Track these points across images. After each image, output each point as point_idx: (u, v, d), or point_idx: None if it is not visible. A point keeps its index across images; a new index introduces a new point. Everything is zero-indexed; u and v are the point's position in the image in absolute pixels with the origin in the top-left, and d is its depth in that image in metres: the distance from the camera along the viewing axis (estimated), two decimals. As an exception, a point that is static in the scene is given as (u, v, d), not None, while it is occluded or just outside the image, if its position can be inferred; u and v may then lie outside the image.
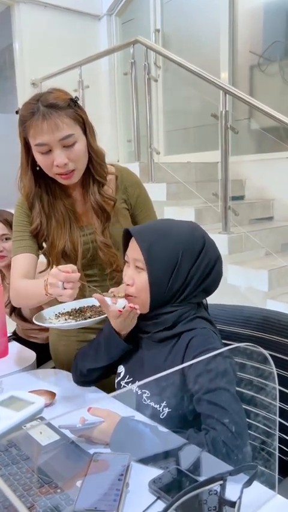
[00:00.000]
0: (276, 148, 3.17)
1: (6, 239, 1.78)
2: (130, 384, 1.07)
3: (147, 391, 1.00)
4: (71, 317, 1.20)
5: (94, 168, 1.27)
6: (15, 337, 1.89)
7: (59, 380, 1.24)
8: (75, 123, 1.18)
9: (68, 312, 1.24)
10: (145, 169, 3.12)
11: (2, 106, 4.73)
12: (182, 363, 0.96)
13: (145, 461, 0.82)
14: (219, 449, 0.78)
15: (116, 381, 1.12)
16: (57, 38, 4.08)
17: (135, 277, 1.04)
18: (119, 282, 1.33)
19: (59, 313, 1.25)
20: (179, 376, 0.94)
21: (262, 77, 3.46)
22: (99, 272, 1.35)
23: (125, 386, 1.07)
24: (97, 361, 1.10)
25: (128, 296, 1.06)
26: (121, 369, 1.12)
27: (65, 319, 1.20)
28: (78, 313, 1.23)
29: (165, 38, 4.09)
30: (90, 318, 1.15)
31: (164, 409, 0.95)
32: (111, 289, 1.27)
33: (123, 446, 0.86)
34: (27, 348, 1.49)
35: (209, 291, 1.06)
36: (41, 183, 1.29)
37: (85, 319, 1.15)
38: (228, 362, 0.91)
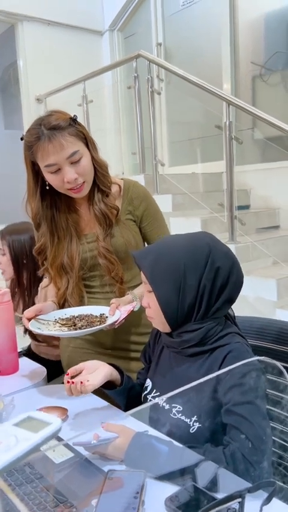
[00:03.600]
0: (280, 157, 3.18)
1: None
2: (157, 398, 1.06)
3: (178, 406, 0.98)
4: (63, 325, 1.27)
5: (98, 178, 1.33)
6: (27, 352, 1.88)
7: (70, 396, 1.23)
8: (78, 139, 1.24)
9: (67, 318, 1.32)
10: (150, 181, 3.14)
11: (8, 123, 4.79)
12: (218, 376, 0.94)
13: (161, 477, 0.81)
14: (238, 463, 0.77)
15: (142, 395, 1.11)
16: (60, 54, 4.14)
17: (149, 300, 1.03)
18: (120, 296, 1.35)
19: (59, 318, 1.32)
20: (212, 390, 0.93)
21: (264, 87, 3.48)
22: (100, 284, 1.38)
23: (152, 401, 1.07)
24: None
25: (149, 317, 1.07)
26: (148, 383, 1.11)
27: (59, 326, 1.26)
28: (72, 321, 1.29)
29: (167, 51, 4.14)
30: (80, 328, 1.22)
31: (195, 424, 0.93)
32: (112, 300, 1.29)
33: (138, 462, 0.85)
34: (37, 364, 1.49)
35: (231, 300, 1.02)
36: (48, 202, 1.34)
37: (75, 329, 1.22)
38: (261, 378, 0.90)
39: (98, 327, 1.20)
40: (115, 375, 1.10)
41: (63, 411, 1.10)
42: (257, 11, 3.41)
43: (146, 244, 1.46)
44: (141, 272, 1.03)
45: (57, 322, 1.29)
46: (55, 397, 1.21)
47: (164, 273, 0.98)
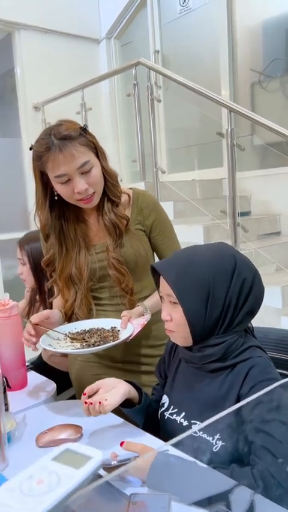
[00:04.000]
0: (280, 163, 3.18)
1: None
2: (175, 415, 1.03)
3: (199, 423, 0.95)
4: (74, 341, 1.23)
5: (108, 188, 1.31)
6: (35, 365, 1.83)
7: (82, 412, 1.19)
8: (88, 149, 1.22)
9: (78, 332, 1.28)
10: (151, 188, 3.12)
11: (5, 131, 4.77)
12: (240, 392, 0.91)
13: (187, 501, 0.78)
14: (269, 485, 0.73)
15: (159, 412, 1.08)
16: (58, 62, 4.13)
17: (172, 313, 1.00)
18: (130, 307, 1.32)
19: (69, 332, 1.28)
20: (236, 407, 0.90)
21: (263, 94, 3.48)
22: (109, 296, 1.35)
23: (169, 418, 1.03)
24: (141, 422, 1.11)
25: (168, 331, 1.03)
26: (165, 399, 1.08)
27: (71, 342, 1.23)
28: (82, 336, 1.25)
29: (164, 59, 4.14)
30: (93, 345, 1.18)
31: (218, 442, 0.90)
32: (123, 313, 1.26)
33: (162, 484, 0.82)
34: (45, 377, 1.45)
35: (253, 312, 1.00)
36: (57, 212, 1.32)
37: (88, 346, 1.18)
38: None
39: (112, 343, 1.16)
40: (133, 392, 1.06)
41: (77, 429, 1.06)
42: (255, 18, 3.42)
43: (155, 255, 1.44)
44: (165, 284, 1.00)
45: (68, 337, 1.25)
46: (67, 414, 1.17)
47: (192, 285, 0.95)
